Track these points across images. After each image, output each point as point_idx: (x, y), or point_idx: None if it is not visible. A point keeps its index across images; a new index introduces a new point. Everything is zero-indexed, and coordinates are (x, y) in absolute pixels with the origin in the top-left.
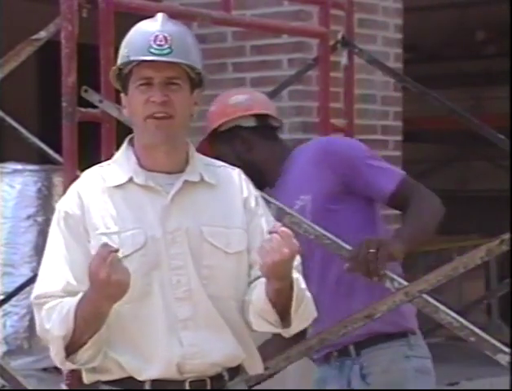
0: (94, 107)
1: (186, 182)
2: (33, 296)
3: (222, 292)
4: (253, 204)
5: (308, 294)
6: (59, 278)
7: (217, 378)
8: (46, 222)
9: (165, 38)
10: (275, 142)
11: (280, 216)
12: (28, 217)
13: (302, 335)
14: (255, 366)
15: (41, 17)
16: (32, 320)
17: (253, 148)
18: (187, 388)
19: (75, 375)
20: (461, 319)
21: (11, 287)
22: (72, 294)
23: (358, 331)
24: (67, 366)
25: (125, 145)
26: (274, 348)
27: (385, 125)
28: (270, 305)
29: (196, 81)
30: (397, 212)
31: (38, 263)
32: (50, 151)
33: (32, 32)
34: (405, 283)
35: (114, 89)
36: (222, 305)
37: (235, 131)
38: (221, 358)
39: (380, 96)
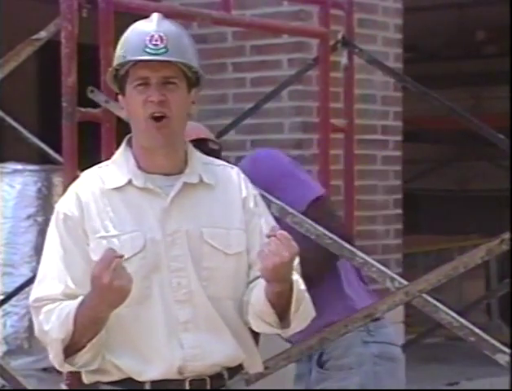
0: (95, 107)
1: (185, 183)
2: (31, 298)
3: (221, 292)
4: (252, 203)
5: (307, 295)
6: (57, 282)
7: (216, 377)
8: (46, 222)
9: (161, 38)
10: None
11: (281, 215)
12: (28, 217)
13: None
14: (255, 366)
15: (41, 17)
16: (32, 320)
17: None
18: (187, 387)
19: (75, 375)
20: (460, 319)
21: (11, 287)
22: (70, 297)
23: (317, 325)
24: (65, 369)
25: (123, 146)
26: None
27: (385, 125)
28: (269, 307)
29: (193, 81)
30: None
31: (38, 263)
32: (50, 151)
33: (32, 32)
34: (405, 282)
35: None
36: (221, 306)
37: None
38: (221, 359)
39: (380, 96)
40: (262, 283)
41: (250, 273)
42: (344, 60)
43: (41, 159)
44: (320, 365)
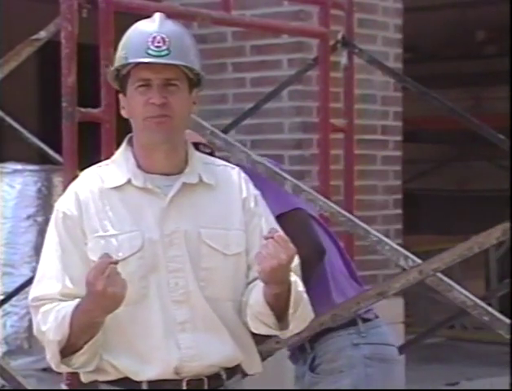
0: (94, 107)
1: (184, 184)
2: (30, 297)
3: (219, 293)
4: (252, 204)
5: (305, 296)
6: (55, 281)
7: (214, 377)
8: (46, 222)
9: (163, 39)
10: None
11: (295, 192)
12: (28, 217)
13: None
14: (254, 366)
15: (42, 17)
16: (32, 320)
17: None
18: (185, 387)
19: (75, 375)
20: (474, 298)
21: (11, 287)
22: (68, 297)
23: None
24: (62, 369)
25: (124, 145)
26: None
27: (385, 125)
28: (268, 309)
29: (194, 81)
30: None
31: (38, 263)
32: (50, 151)
33: (32, 32)
34: (419, 260)
35: (114, 88)
36: (219, 307)
37: None
38: (219, 360)
39: (380, 96)
40: (260, 284)
41: (249, 274)
42: (344, 60)
43: (41, 159)
44: (312, 369)
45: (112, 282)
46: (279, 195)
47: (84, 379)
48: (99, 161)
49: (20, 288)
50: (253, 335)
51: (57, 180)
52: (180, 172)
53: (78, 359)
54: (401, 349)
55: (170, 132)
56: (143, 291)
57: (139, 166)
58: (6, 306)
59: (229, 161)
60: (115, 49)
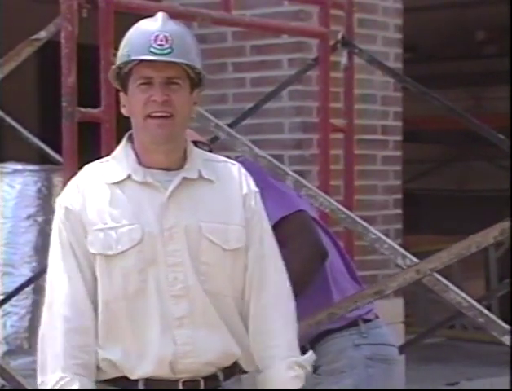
0: (94, 107)
1: (184, 178)
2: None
3: (219, 288)
4: (253, 201)
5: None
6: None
7: (211, 378)
8: (46, 222)
9: (166, 38)
10: None
11: (296, 188)
12: (28, 217)
13: None
14: (251, 362)
15: (42, 17)
16: (32, 320)
17: None
18: (181, 387)
19: None
20: (470, 299)
21: (11, 287)
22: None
23: (310, 333)
24: None
25: (124, 142)
26: None
27: (385, 125)
28: None
29: (195, 81)
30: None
31: (38, 263)
32: (50, 151)
33: (32, 32)
34: (416, 260)
35: (114, 88)
36: (218, 302)
37: None
38: (215, 358)
39: (380, 96)
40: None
41: (247, 275)
42: (344, 60)
43: (41, 159)
44: (313, 370)
45: None
46: (281, 197)
47: None
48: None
49: (20, 288)
50: None
51: (57, 180)
52: (180, 167)
53: None
54: (401, 349)
55: (171, 131)
56: (141, 285)
57: (139, 162)
58: (6, 306)
59: (229, 158)
60: (115, 48)
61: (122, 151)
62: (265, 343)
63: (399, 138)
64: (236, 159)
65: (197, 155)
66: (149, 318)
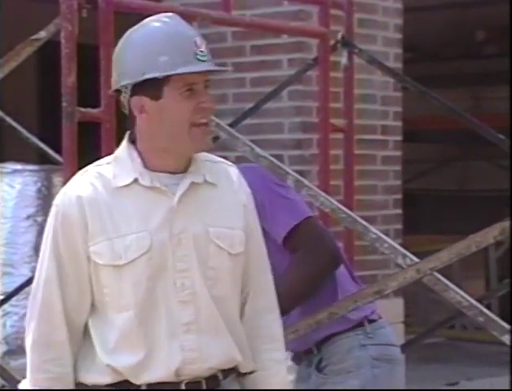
0: (95, 107)
1: (192, 183)
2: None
3: (225, 292)
4: (251, 206)
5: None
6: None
7: (212, 379)
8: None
9: (201, 42)
10: None
11: (297, 188)
12: (28, 217)
13: None
14: (248, 364)
15: (42, 17)
16: None
17: None
18: (183, 388)
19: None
20: (470, 299)
21: (10, 287)
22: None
23: (313, 338)
24: None
25: (126, 143)
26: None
27: (385, 125)
28: None
29: None
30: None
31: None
32: (50, 151)
33: (32, 32)
34: (417, 259)
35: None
36: (224, 306)
37: None
38: (218, 363)
39: (380, 96)
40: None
41: (244, 278)
42: (344, 60)
43: (41, 159)
44: (319, 370)
45: None
46: (290, 205)
47: (82, 380)
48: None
49: (20, 288)
50: None
51: (57, 180)
52: (184, 170)
53: None
54: (401, 349)
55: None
56: (150, 292)
57: (145, 166)
58: (6, 306)
59: (226, 158)
60: (115, 49)
61: (125, 153)
62: (264, 346)
63: (399, 138)
64: (237, 165)
65: (198, 156)
66: (157, 324)
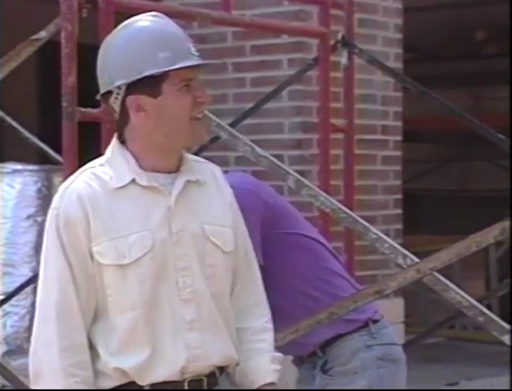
0: (95, 107)
1: (187, 181)
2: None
3: (221, 289)
4: (235, 203)
5: None
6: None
7: (211, 376)
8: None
9: (190, 39)
10: None
11: (297, 188)
12: (28, 217)
13: None
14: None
15: (42, 17)
16: (32, 320)
17: None
18: (186, 387)
19: None
20: (470, 299)
21: (11, 287)
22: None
23: (321, 337)
24: None
25: (117, 145)
26: None
27: (385, 125)
28: None
29: None
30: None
31: (38, 263)
32: (50, 151)
33: (32, 32)
34: (417, 259)
35: None
36: (222, 304)
37: None
38: (219, 360)
39: (380, 96)
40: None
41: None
42: (344, 60)
43: (41, 159)
44: (324, 371)
45: None
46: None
47: None
48: None
49: (20, 288)
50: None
51: (57, 180)
52: (177, 170)
53: None
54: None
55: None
56: (154, 291)
57: (140, 166)
58: (6, 306)
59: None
60: None
61: (118, 154)
62: (249, 337)
63: (399, 138)
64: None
65: (187, 156)
66: (161, 323)
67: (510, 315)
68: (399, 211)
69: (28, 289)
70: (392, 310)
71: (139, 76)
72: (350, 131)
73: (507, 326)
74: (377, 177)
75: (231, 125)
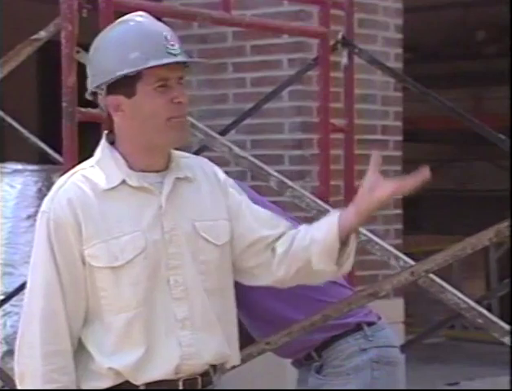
0: (94, 107)
1: (176, 179)
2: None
3: (216, 285)
4: (229, 187)
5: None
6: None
7: (205, 375)
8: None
9: (173, 38)
10: None
11: (281, 189)
12: (29, 217)
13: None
14: (233, 359)
15: (42, 17)
16: None
17: None
18: (181, 387)
19: None
20: (468, 300)
21: (10, 287)
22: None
23: (315, 340)
24: None
25: (106, 146)
26: None
27: (385, 125)
28: (338, 242)
29: None
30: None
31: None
32: (50, 151)
33: (32, 32)
34: (410, 261)
35: None
36: (215, 300)
37: None
38: (212, 358)
39: (380, 96)
40: (325, 224)
41: (244, 240)
42: (344, 60)
43: (41, 159)
44: (318, 372)
45: None
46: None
47: (82, 385)
48: None
49: (20, 288)
50: (245, 338)
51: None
52: (165, 168)
53: None
54: (401, 349)
55: (186, 134)
56: (148, 291)
57: (129, 166)
58: (6, 306)
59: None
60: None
61: (107, 155)
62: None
63: (399, 138)
64: None
65: (174, 153)
66: (155, 322)
67: (510, 315)
68: (399, 211)
69: None
70: (392, 310)
71: (113, 77)
72: (351, 131)
73: (507, 327)
74: None
75: (232, 125)
